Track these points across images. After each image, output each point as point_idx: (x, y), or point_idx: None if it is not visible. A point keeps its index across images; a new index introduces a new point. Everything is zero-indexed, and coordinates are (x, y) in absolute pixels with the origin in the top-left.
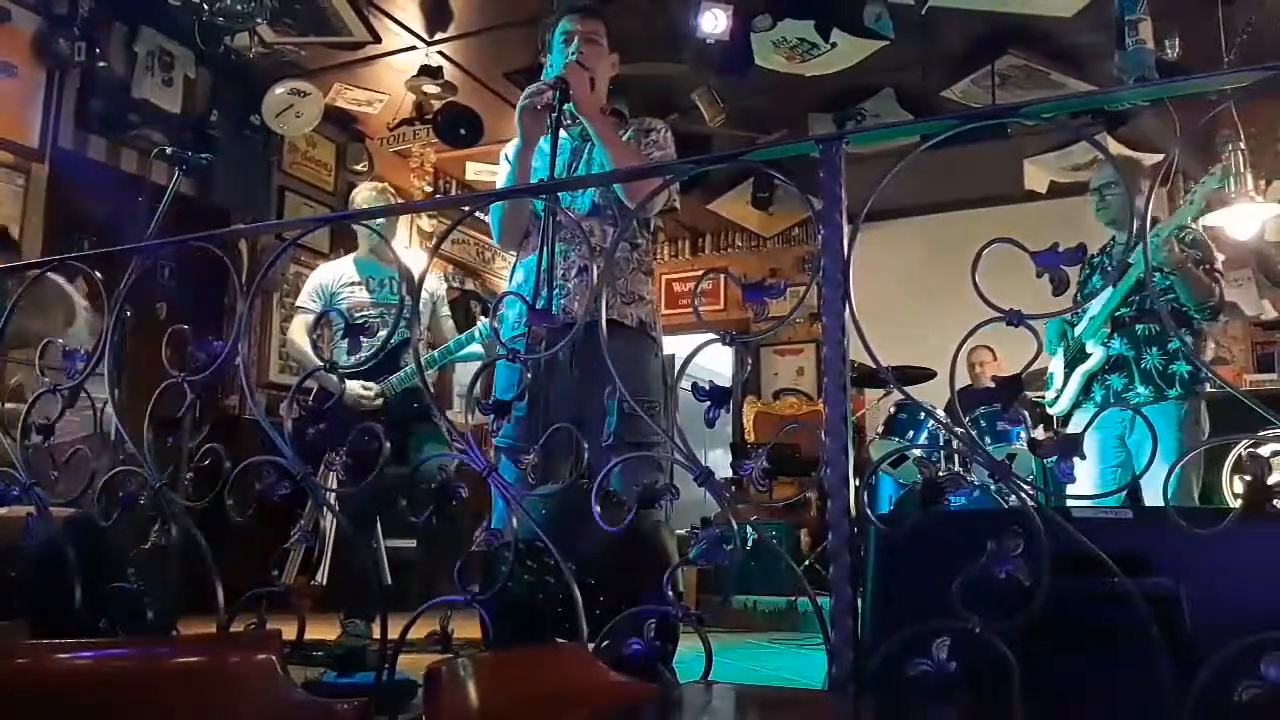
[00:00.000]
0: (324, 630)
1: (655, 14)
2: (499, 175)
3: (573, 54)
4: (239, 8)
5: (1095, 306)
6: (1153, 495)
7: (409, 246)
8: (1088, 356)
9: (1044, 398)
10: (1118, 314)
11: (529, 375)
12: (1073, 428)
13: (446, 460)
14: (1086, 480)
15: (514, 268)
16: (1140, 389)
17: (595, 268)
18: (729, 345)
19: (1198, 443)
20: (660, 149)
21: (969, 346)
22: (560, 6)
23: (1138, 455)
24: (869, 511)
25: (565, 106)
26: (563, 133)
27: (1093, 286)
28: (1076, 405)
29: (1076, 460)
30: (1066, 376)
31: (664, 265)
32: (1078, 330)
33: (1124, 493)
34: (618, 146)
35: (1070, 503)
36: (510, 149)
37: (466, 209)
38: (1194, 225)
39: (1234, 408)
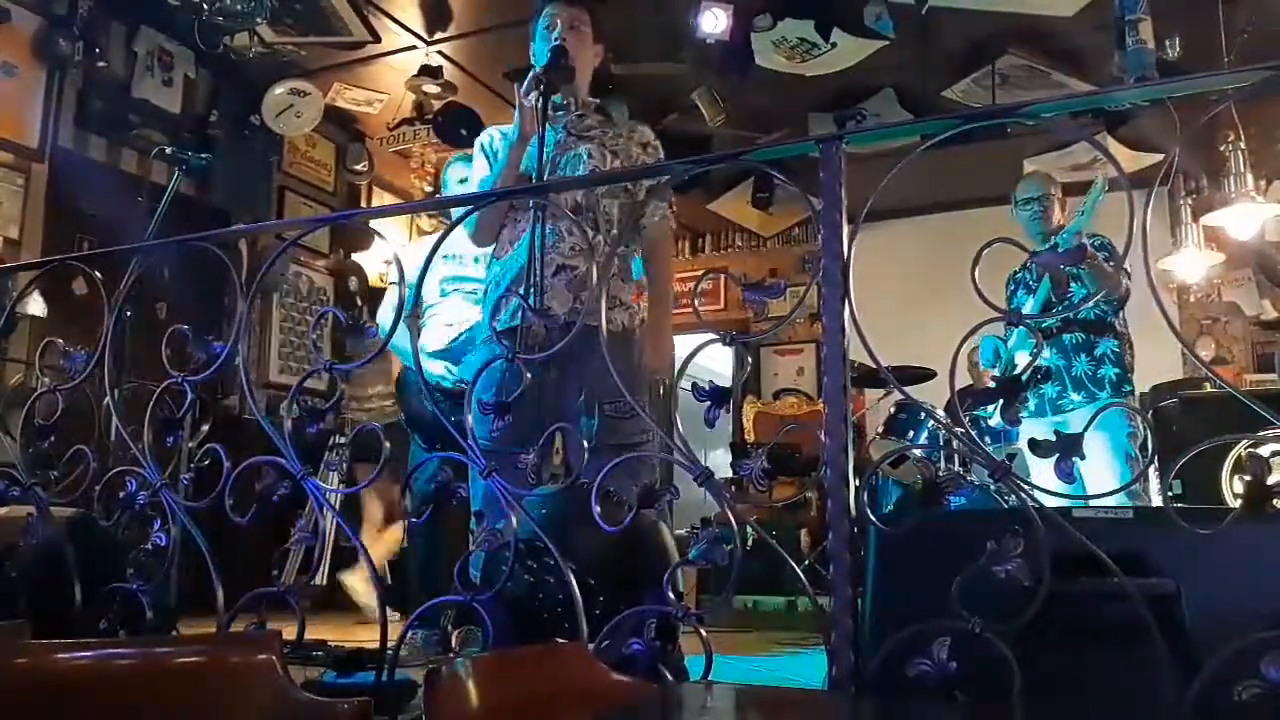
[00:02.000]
0: (324, 630)
1: (655, 14)
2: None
3: (556, 38)
4: (239, 8)
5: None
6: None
7: (408, 246)
8: (1016, 368)
9: (987, 410)
10: (1044, 325)
11: (528, 376)
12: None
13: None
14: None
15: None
16: (1072, 395)
17: (593, 269)
18: (729, 345)
19: (1140, 434)
20: (660, 208)
21: (969, 346)
22: None
23: (1085, 462)
24: (869, 512)
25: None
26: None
27: (1019, 302)
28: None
29: (1040, 467)
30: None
31: None
32: (1009, 344)
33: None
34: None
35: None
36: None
37: (466, 209)
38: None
39: (1234, 408)
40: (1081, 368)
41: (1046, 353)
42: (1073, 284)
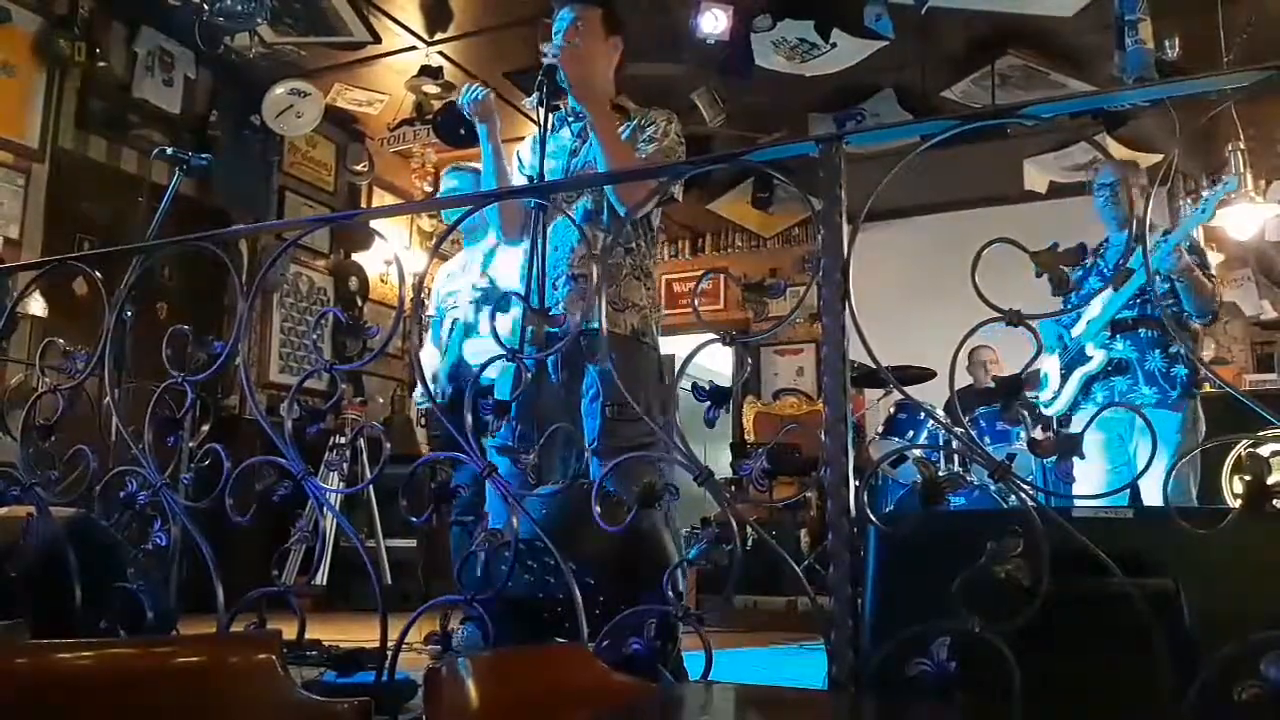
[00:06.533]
0: (324, 630)
1: (655, 14)
2: (513, 174)
3: (556, 46)
4: (239, 8)
5: (1095, 309)
6: (1154, 496)
7: (409, 246)
8: (1087, 359)
9: (1038, 398)
10: (1119, 317)
11: (527, 376)
12: (1074, 429)
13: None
14: (1094, 479)
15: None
16: (1145, 390)
17: (594, 274)
18: (729, 345)
19: (1195, 444)
20: (655, 142)
21: (974, 345)
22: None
23: (1138, 456)
24: (869, 511)
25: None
26: (565, 132)
27: (1089, 288)
28: (1074, 407)
29: (1081, 460)
30: (1064, 378)
31: (664, 265)
32: (1074, 332)
33: (1124, 493)
34: (613, 144)
35: (1077, 502)
36: (522, 148)
37: (467, 208)
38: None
39: (1234, 408)
40: (1155, 363)
41: (1120, 345)
42: (1157, 280)
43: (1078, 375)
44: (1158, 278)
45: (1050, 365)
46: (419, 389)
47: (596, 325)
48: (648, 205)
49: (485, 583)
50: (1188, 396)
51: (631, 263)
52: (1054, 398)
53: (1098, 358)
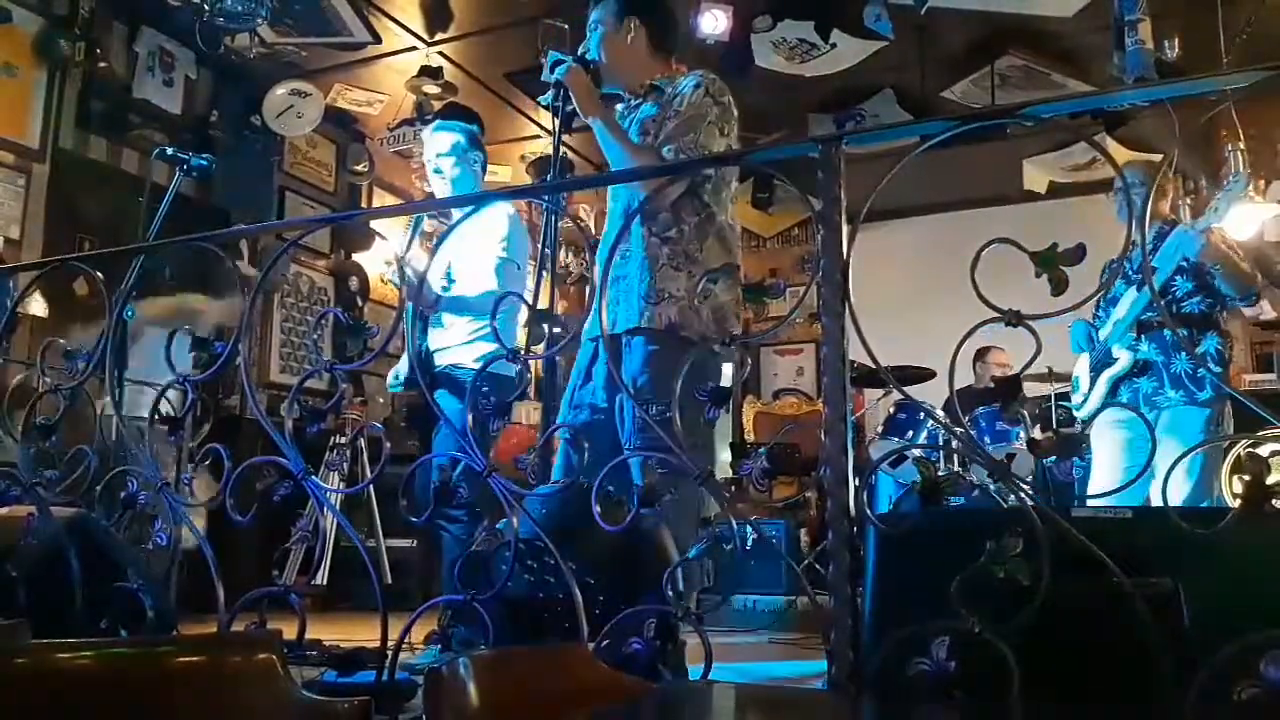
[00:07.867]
0: (324, 630)
1: None
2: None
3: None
4: (239, 8)
5: (1121, 310)
6: (1173, 497)
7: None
8: (1113, 360)
9: (1070, 401)
10: (1144, 318)
11: (528, 378)
12: (1101, 431)
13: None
14: (1112, 480)
15: None
16: (1170, 393)
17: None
18: (729, 345)
19: (1212, 444)
20: (678, 115)
21: (985, 346)
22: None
23: (1159, 461)
24: (868, 511)
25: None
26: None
27: (1117, 291)
28: (1104, 408)
29: (1103, 458)
30: (1092, 380)
31: None
32: (1102, 334)
33: (1134, 492)
34: (620, 147)
35: (1090, 502)
36: None
37: (467, 209)
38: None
39: (1232, 408)
40: (1182, 365)
41: (1144, 346)
42: (1178, 278)
43: (1105, 377)
44: (1180, 277)
45: (1080, 367)
46: (391, 373)
47: (631, 325)
48: (669, 189)
49: (485, 583)
50: (1219, 398)
51: (669, 252)
52: (1084, 400)
53: (1123, 359)
